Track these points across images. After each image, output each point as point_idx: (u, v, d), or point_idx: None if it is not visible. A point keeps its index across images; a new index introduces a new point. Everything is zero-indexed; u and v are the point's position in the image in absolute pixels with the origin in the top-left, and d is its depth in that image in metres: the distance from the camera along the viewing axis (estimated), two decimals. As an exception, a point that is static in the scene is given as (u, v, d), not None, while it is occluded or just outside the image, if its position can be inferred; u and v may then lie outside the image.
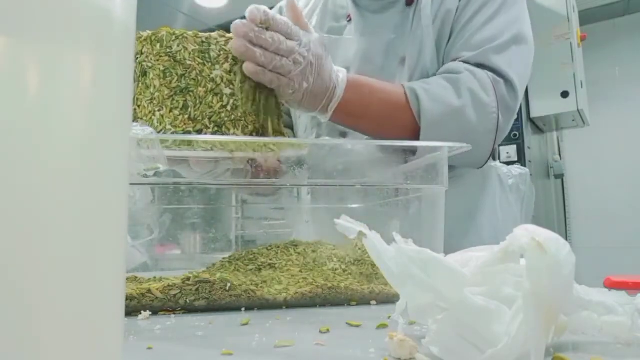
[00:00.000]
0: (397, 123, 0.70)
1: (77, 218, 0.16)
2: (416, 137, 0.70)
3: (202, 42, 0.51)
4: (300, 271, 0.54)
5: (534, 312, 0.24)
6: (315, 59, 0.59)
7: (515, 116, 0.80)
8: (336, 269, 0.55)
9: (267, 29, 0.54)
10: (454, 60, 0.76)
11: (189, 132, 0.50)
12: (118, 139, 0.18)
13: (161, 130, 0.50)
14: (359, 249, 0.57)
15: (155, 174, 0.49)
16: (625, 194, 2.73)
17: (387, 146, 0.58)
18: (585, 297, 0.30)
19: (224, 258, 0.59)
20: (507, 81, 0.75)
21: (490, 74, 0.74)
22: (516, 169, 0.91)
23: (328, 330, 0.36)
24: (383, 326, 0.37)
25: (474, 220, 0.85)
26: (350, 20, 0.86)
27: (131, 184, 0.49)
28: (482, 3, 0.78)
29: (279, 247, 0.59)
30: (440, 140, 0.66)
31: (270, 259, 0.57)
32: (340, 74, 0.64)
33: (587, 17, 2.63)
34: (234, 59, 0.52)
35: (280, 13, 1.02)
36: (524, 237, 0.26)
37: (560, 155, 2.62)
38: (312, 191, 0.70)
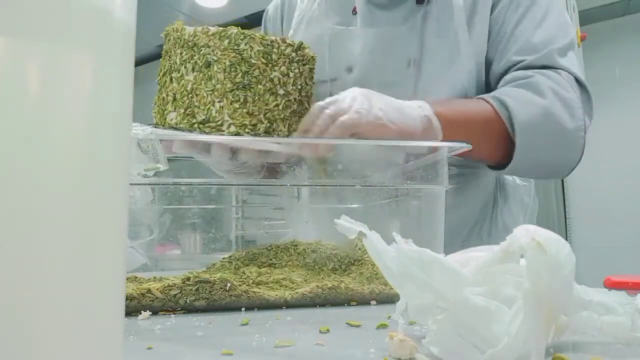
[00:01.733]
0: (492, 139, 0.67)
1: (77, 218, 0.16)
2: (511, 148, 0.66)
3: (267, 44, 0.56)
4: (300, 271, 0.54)
5: (534, 312, 0.24)
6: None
7: (593, 116, 0.75)
8: (336, 269, 0.55)
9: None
10: (513, 65, 0.72)
11: (245, 126, 0.54)
12: (118, 139, 0.18)
13: (219, 121, 0.54)
14: (359, 249, 0.57)
15: (155, 174, 0.49)
16: (625, 194, 2.73)
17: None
18: (585, 297, 0.30)
19: (224, 258, 0.59)
20: (579, 82, 0.72)
21: (562, 72, 0.71)
22: (521, 180, 0.89)
23: (328, 330, 0.36)
24: (383, 326, 0.37)
25: (474, 229, 0.84)
26: (355, 12, 0.82)
27: (131, 184, 0.49)
28: (528, 4, 0.74)
29: (279, 247, 0.59)
30: (536, 147, 0.66)
31: (270, 259, 0.57)
32: (433, 122, 0.59)
33: (587, 17, 2.63)
34: (290, 63, 0.57)
35: (266, 18, 1.02)
36: (524, 237, 0.26)
37: (560, 155, 2.61)
38: (312, 191, 0.70)
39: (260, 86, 0.54)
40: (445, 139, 0.59)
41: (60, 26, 0.16)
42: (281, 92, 0.56)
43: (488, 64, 0.76)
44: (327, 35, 0.83)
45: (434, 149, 0.55)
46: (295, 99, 0.57)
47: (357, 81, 0.76)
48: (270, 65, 0.55)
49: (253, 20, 2.95)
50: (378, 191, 0.61)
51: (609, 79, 2.80)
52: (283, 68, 0.56)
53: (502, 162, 0.69)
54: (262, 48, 0.55)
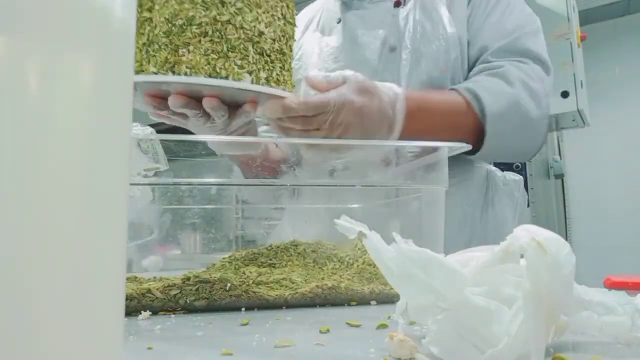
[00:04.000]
0: (461, 128, 0.71)
1: (77, 218, 0.16)
2: (481, 137, 0.71)
3: None
4: (300, 271, 0.54)
5: (534, 312, 0.24)
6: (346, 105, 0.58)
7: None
8: (336, 269, 0.55)
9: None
10: (486, 50, 0.78)
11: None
12: (118, 139, 0.18)
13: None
14: (359, 249, 0.57)
15: (155, 174, 0.49)
16: (625, 194, 2.73)
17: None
18: (585, 297, 0.30)
19: (224, 258, 0.59)
20: (546, 66, 0.78)
21: (530, 62, 0.76)
22: (511, 175, 0.92)
23: (328, 330, 0.36)
24: (383, 326, 0.37)
25: (461, 222, 0.85)
26: (340, 21, 0.90)
27: (131, 184, 0.49)
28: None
29: (279, 247, 0.59)
30: (504, 135, 0.72)
31: (270, 259, 0.57)
32: (397, 104, 0.64)
33: (587, 17, 2.63)
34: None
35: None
36: (524, 237, 0.26)
37: (560, 155, 2.61)
38: (312, 191, 0.70)
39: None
40: (411, 123, 0.64)
41: (60, 26, 0.16)
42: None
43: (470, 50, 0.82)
44: (316, 40, 0.92)
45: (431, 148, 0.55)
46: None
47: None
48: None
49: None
50: (378, 191, 0.61)
51: (609, 79, 2.80)
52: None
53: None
54: None
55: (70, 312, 0.16)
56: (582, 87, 2.04)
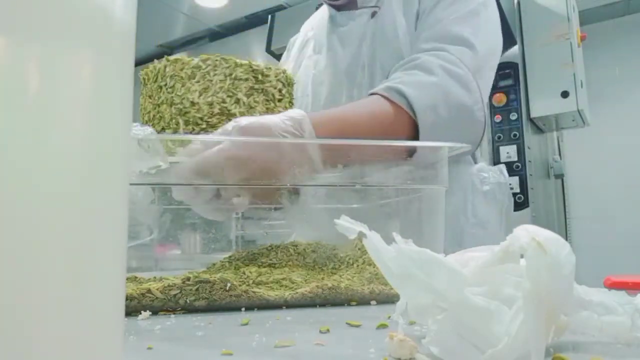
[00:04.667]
0: (396, 131, 0.66)
1: (77, 218, 0.16)
2: (417, 133, 0.66)
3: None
4: (300, 271, 0.54)
5: (534, 312, 0.24)
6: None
7: (491, 86, 0.77)
8: (336, 269, 0.55)
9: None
10: (415, 48, 0.75)
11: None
12: (118, 139, 0.18)
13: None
14: (359, 249, 0.57)
15: (156, 172, 0.49)
16: (626, 194, 2.73)
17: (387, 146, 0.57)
18: (585, 297, 0.30)
19: (224, 258, 0.59)
20: (469, 44, 0.72)
21: (451, 48, 0.71)
22: (495, 176, 0.89)
23: (328, 330, 0.36)
24: (383, 326, 0.37)
25: (449, 227, 0.82)
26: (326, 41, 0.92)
27: (131, 184, 0.49)
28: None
29: (279, 247, 0.59)
30: (439, 126, 0.65)
31: (270, 259, 0.57)
32: (304, 126, 0.56)
33: (587, 17, 2.63)
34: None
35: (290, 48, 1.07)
36: (524, 237, 0.26)
37: (560, 155, 2.61)
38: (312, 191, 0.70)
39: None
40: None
41: (60, 26, 0.16)
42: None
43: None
44: (305, 64, 0.94)
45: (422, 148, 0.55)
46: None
47: (328, 94, 0.86)
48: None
49: (253, 20, 2.95)
50: (378, 191, 0.61)
51: (609, 79, 2.80)
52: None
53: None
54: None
55: (70, 312, 0.16)
56: (582, 87, 2.04)
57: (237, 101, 0.55)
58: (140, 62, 0.56)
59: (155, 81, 0.57)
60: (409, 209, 0.58)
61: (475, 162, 0.92)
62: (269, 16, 2.32)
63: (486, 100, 0.74)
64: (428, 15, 0.77)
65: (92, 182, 0.17)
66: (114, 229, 0.18)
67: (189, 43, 3.26)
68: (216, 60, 0.56)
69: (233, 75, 0.56)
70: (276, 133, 0.53)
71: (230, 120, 0.54)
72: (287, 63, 1.02)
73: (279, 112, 0.57)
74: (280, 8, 2.65)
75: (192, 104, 0.55)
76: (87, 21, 0.17)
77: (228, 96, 0.55)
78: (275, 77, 0.59)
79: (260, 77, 0.57)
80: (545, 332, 0.26)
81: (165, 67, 0.56)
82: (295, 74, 0.93)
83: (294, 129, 0.55)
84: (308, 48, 0.97)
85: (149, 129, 0.49)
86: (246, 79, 0.56)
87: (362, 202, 0.63)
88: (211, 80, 0.55)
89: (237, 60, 0.56)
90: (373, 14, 0.84)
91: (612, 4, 2.69)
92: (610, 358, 0.27)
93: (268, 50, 2.27)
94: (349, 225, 0.29)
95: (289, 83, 0.61)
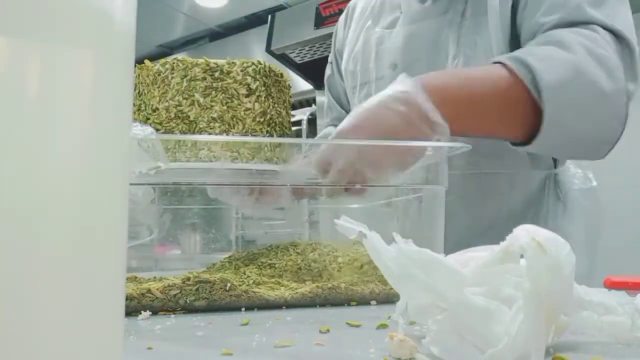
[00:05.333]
0: (510, 111, 0.56)
1: (77, 218, 0.16)
2: (538, 118, 0.55)
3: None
4: (300, 271, 0.54)
5: (534, 312, 0.24)
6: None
7: (637, 77, 0.61)
8: (336, 269, 0.55)
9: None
10: (539, 28, 0.62)
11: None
12: (118, 139, 0.18)
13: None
14: (358, 249, 0.57)
15: (155, 173, 0.49)
16: (626, 194, 2.73)
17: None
18: (585, 297, 0.30)
19: (224, 258, 0.59)
20: (619, 37, 0.59)
21: (598, 28, 0.59)
22: (580, 178, 0.76)
23: (328, 330, 0.36)
24: (383, 326, 0.37)
25: (497, 226, 0.73)
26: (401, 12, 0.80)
27: (131, 184, 0.49)
28: None
29: (278, 247, 0.59)
30: (568, 114, 0.55)
31: (270, 259, 0.57)
32: (419, 100, 0.50)
33: (587, 17, 2.63)
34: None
35: (337, 27, 1.00)
36: (524, 237, 0.26)
37: (560, 155, 2.61)
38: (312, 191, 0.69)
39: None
40: (448, 119, 0.51)
41: (61, 26, 0.16)
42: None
43: (517, 36, 0.67)
44: (374, 39, 0.83)
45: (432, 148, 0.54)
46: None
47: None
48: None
49: (253, 20, 2.95)
50: (378, 191, 0.61)
51: (609, 79, 2.79)
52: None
53: (527, 137, 0.58)
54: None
55: (70, 312, 0.16)
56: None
57: (193, 103, 0.55)
58: (140, 62, 0.56)
59: None
60: (409, 209, 0.58)
61: (556, 166, 0.78)
62: (269, 16, 2.31)
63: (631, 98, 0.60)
64: None
65: (92, 182, 0.17)
66: (114, 229, 0.18)
67: (189, 43, 3.26)
68: (173, 63, 0.55)
69: (189, 77, 0.55)
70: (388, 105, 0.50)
71: (186, 124, 0.54)
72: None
73: (247, 109, 0.55)
74: (280, 8, 2.65)
75: (153, 110, 0.55)
76: (87, 21, 0.17)
77: (184, 98, 0.54)
78: (242, 70, 0.56)
79: (217, 74, 0.55)
80: (545, 332, 0.26)
81: (138, 75, 0.56)
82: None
83: (405, 107, 0.50)
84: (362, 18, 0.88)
85: (149, 129, 0.49)
86: (203, 78, 0.55)
87: (362, 202, 0.63)
88: (169, 85, 0.55)
89: (193, 60, 0.56)
90: None
91: (612, 4, 2.69)
92: (610, 358, 0.27)
93: (268, 50, 2.27)
94: (349, 225, 0.29)
95: (264, 75, 0.57)
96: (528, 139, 0.57)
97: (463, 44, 0.70)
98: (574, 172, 0.79)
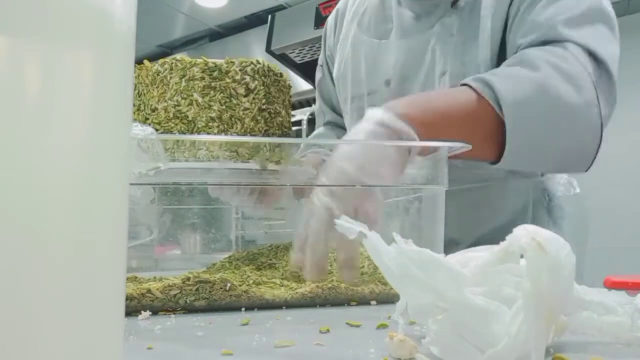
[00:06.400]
0: (479, 130, 0.57)
1: (77, 218, 0.16)
2: (504, 135, 0.57)
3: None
4: (300, 271, 0.54)
5: (534, 312, 0.24)
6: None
7: (616, 103, 0.64)
8: (336, 269, 0.55)
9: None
10: (517, 49, 0.64)
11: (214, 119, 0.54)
12: (118, 139, 0.18)
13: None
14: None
15: (155, 173, 0.49)
16: (626, 194, 2.73)
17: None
18: (585, 297, 0.30)
19: (224, 258, 0.59)
20: (598, 61, 0.61)
21: (569, 45, 0.60)
22: (565, 185, 0.78)
23: (328, 330, 0.36)
24: (383, 326, 0.37)
25: (487, 229, 0.76)
26: (392, 26, 0.80)
27: (131, 184, 0.49)
28: None
29: (278, 247, 0.59)
30: (534, 129, 0.56)
31: (270, 259, 0.57)
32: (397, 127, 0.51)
33: (587, 17, 2.63)
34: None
35: (325, 30, 0.99)
36: (524, 237, 0.26)
37: (560, 155, 2.61)
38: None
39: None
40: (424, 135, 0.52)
41: (60, 26, 0.16)
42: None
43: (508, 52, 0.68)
44: (364, 48, 0.82)
45: (433, 149, 0.54)
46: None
47: (394, 94, 0.74)
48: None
49: (253, 20, 2.95)
50: (378, 191, 0.61)
51: (609, 79, 2.79)
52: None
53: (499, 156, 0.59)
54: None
55: (70, 312, 0.16)
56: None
57: (192, 102, 0.54)
58: (140, 62, 0.56)
59: None
60: (409, 209, 0.58)
61: (542, 174, 0.81)
62: (269, 16, 2.32)
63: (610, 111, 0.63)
64: (527, 19, 0.66)
65: (92, 182, 0.17)
66: (114, 229, 0.18)
67: (189, 43, 3.27)
68: (172, 63, 0.55)
69: (187, 76, 0.55)
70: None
71: (184, 124, 0.54)
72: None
73: (245, 109, 0.55)
74: (280, 8, 2.65)
75: (152, 110, 0.55)
76: (87, 21, 0.17)
77: (183, 98, 0.54)
78: (241, 70, 0.55)
79: (216, 74, 0.55)
80: (545, 332, 0.26)
81: (137, 75, 0.56)
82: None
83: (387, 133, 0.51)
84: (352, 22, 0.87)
85: (149, 129, 0.49)
86: (201, 78, 0.55)
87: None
88: (168, 84, 0.55)
89: (192, 60, 0.55)
90: (454, 3, 0.73)
91: (612, 4, 2.69)
92: (610, 358, 0.27)
93: (268, 50, 2.27)
94: (349, 225, 0.29)
95: (263, 74, 0.57)
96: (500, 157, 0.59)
97: (450, 61, 0.71)
98: (559, 179, 0.81)
